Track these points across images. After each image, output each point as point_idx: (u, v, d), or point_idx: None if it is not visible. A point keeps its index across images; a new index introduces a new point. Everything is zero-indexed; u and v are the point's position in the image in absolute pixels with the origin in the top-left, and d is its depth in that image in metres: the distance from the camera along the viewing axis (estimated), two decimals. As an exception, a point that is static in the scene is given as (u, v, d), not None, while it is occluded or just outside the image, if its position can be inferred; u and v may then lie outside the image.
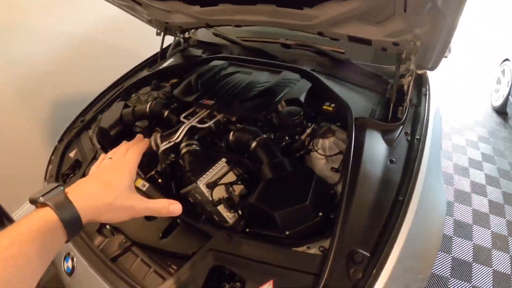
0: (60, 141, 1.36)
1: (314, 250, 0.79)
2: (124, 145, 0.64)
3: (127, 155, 0.58)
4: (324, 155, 1.00)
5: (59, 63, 1.99)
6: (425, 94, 1.21)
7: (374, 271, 0.71)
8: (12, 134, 1.87)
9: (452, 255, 1.74)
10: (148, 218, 0.93)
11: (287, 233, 0.82)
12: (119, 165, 0.55)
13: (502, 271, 1.66)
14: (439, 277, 1.60)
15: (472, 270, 1.65)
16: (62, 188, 0.44)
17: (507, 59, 3.09)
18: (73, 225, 0.42)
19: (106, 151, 1.18)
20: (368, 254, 0.74)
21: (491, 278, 1.61)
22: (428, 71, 1.26)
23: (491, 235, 1.84)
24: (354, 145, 0.92)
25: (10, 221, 1.84)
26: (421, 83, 1.26)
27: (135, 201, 0.50)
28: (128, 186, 0.51)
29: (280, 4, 1.10)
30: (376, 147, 0.96)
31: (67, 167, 1.23)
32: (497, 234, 1.86)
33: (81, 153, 1.25)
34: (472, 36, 6.31)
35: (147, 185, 1.02)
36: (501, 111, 3.16)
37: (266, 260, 0.77)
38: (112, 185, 0.49)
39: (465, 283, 1.58)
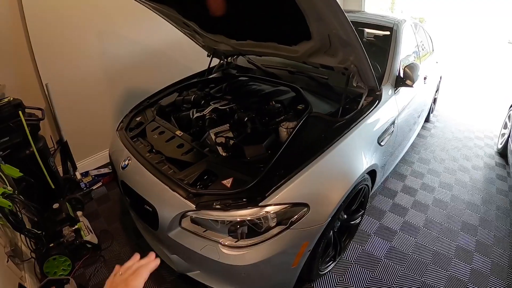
0: (131, 111, 2.11)
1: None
2: (136, 263, 0.69)
3: (137, 273, 0.64)
4: (285, 128, 1.63)
5: (136, 63, 2.81)
6: (372, 106, 1.76)
7: (285, 179, 1.30)
8: (94, 104, 2.66)
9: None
10: (178, 147, 1.61)
11: (249, 158, 1.45)
12: (129, 282, 0.61)
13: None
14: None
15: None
16: None
17: (513, 105, 3.33)
18: None
19: (161, 119, 1.93)
20: (287, 172, 1.32)
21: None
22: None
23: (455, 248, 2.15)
24: (302, 124, 1.54)
25: (73, 164, 2.58)
26: (375, 99, 1.81)
27: None
28: None
29: (278, 42, 1.82)
30: (317, 127, 1.56)
31: (133, 125, 1.97)
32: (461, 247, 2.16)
33: (144, 118, 2.00)
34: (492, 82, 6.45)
35: (182, 133, 1.72)
36: (503, 153, 3.34)
37: (233, 168, 1.40)
38: None
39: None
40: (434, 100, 3.99)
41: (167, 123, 1.87)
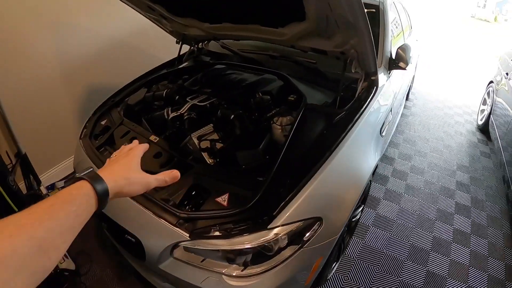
0: (94, 113, 1.78)
1: (260, 179, 1.18)
2: (126, 147, 0.70)
3: (131, 151, 0.66)
4: (280, 125, 1.41)
5: (97, 57, 2.43)
6: (371, 94, 1.58)
7: (294, 192, 1.08)
8: (53, 107, 2.26)
9: (411, 242, 2.03)
10: (155, 156, 1.34)
11: (244, 167, 1.22)
12: (128, 154, 0.64)
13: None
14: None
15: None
16: (92, 169, 0.54)
17: (492, 81, 3.39)
18: (103, 196, 0.51)
19: (130, 120, 1.63)
20: (293, 182, 1.11)
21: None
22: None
23: (452, 231, 2.13)
24: (299, 119, 1.31)
25: (36, 178, 2.21)
26: (371, 86, 1.62)
27: (146, 175, 0.61)
28: (138, 167, 0.62)
29: (262, 24, 1.57)
30: (317, 122, 1.35)
31: (98, 131, 1.66)
32: (458, 230, 2.14)
33: (110, 122, 1.68)
34: (469, 62, 6.67)
35: (158, 138, 1.44)
36: (484, 129, 3.40)
37: (226, 181, 1.16)
38: (128, 165, 0.60)
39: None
40: (412, 78, 3.95)
41: (138, 126, 1.58)
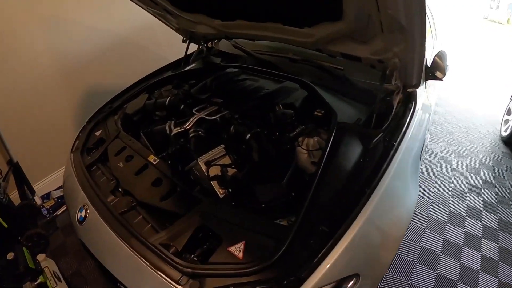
0: (89, 122, 1.58)
1: (284, 222, 0.95)
2: None
3: None
4: (306, 149, 1.17)
5: (96, 56, 2.24)
6: (410, 109, 1.33)
7: (329, 245, 0.85)
8: (47, 112, 2.08)
9: (438, 271, 1.82)
10: (154, 184, 1.12)
11: (263, 205, 0.99)
12: None
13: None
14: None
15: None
16: None
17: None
18: None
19: (127, 133, 1.41)
20: (327, 230, 0.88)
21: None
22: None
23: (480, 258, 1.91)
24: (332, 144, 1.07)
25: (30, 188, 2.05)
26: (409, 99, 1.37)
27: None
28: None
29: (285, 23, 1.32)
30: (352, 147, 1.11)
31: (91, 143, 1.45)
32: (486, 257, 1.93)
33: (105, 133, 1.47)
34: (486, 66, 6.36)
35: (157, 159, 1.22)
36: (508, 142, 3.14)
37: (242, 225, 0.94)
38: None
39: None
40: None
41: (135, 142, 1.36)
